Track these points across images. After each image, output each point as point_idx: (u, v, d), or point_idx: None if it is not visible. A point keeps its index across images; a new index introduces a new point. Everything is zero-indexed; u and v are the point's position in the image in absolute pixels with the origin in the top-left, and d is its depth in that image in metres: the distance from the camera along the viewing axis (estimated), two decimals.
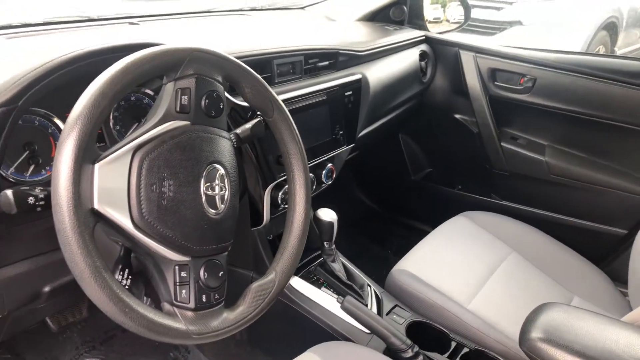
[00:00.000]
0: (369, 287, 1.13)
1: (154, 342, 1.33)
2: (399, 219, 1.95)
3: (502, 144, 1.54)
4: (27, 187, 0.60)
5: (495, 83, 1.51)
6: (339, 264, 1.13)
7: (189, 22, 1.28)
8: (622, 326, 0.77)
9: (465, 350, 1.01)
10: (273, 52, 0.99)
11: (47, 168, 0.75)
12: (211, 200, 0.67)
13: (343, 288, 1.10)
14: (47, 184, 0.73)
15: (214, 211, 0.67)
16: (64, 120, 0.74)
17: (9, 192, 0.58)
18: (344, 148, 1.19)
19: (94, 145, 0.57)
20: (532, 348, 0.78)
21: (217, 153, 0.69)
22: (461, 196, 1.73)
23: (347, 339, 1.02)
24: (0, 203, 0.59)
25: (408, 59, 1.47)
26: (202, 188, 0.66)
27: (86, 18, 1.17)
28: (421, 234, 1.31)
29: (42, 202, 0.60)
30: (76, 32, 1.01)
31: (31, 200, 0.60)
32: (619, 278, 1.28)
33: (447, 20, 1.72)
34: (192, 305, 0.64)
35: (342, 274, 1.11)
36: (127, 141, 0.61)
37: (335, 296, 1.07)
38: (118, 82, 0.58)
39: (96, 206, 0.57)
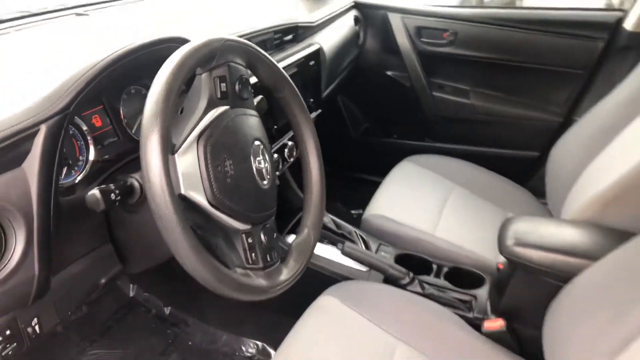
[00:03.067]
0: (355, 233, 1.28)
1: (150, 325, 1.39)
2: (349, 174, 2.11)
3: (433, 93, 1.76)
4: (104, 185, 0.65)
5: (422, 40, 1.70)
6: (328, 217, 1.26)
7: (140, 7, 1.27)
8: (572, 224, 1.02)
9: (445, 269, 1.22)
10: (252, 32, 1.06)
11: (76, 169, 0.78)
12: (260, 173, 0.76)
13: (337, 237, 1.24)
14: (105, 180, 0.77)
15: (264, 182, 0.77)
16: (83, 119, 0.76)
17: (96, 192, 0.63)
18: (315, 114, 1.30)
19: (171, 137, 0.64)
20: (510, 252, 0.99)
21: (255, 131, 0.78)
22: (399, 144, 1.93)
23: (349, 280, 1.17)
24: (89, 203, 0.63)
25: (346, 25, 1.60)
26: (254, 163, 0.75)
27: (28, 14, 1.11)
28: (373, 184, 1.48)
29: (119, 197, 0.66)
30: (27, 31, 0.97)
31: (112, 196, 0.65)
32: (539, 193, 1.57)
33: None
34: (261, 265, 0.74)
35: (332, 226, 1.25)
36: (189, 131, 0.68)
37: (331, 246, 1.21)
38: (179, 76, 0.64)
39: (183, 191, 0.64)
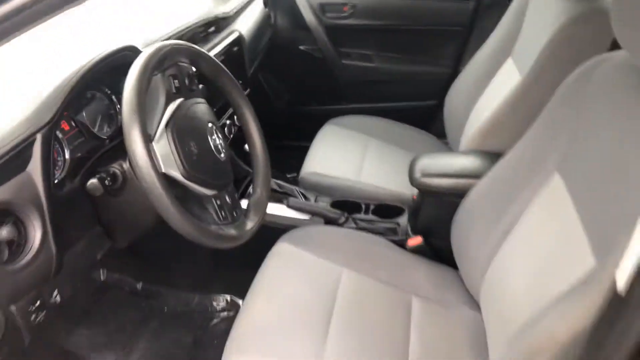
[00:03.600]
0: (295, 191, 1.50)
1: (126, 302, 1.53)
2: (279, 143, 2.30)
3: (342, 61, 1.99)
4: (98, 175, 0.82)
5: (327, 15, 1.91)
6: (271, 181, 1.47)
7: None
8: (463, 154, 1.32)
9: (372, 206, 1.48)
10: (182, 30, 1.21)
11: (56, 168, 0.91)
12: (217, 148, 0.96)
13: (280, 196, 1.45)
14: (84, 174, 0.92)
15: (221, 155, 0.96)
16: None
17: (95, 181, 0.80)
18: (245, 93, 1.48)
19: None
20: (419, 183, 1.27)
21: (207, 115, 0.97)
22: (320, 110, 2.15)
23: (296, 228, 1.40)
24: (90, 190, 0.80)
25: (258, 9, 1.77)
26: (211, 141, 0.94)
27: None
28: (302, 149, 1.70)
29: (110, 183, 0.83)
30: None
31: (106, 182, 0.82)
32: (441, 134, 1.87)
33: None
34: (230, 220, 0.95)
35: (276, 187, 1.46)
36: (157, 122, 0.85)
37: (278, 203, 1.43)
38: (144, 78, 0.81)
39: (163, 170, 0.82)
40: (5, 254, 0.73)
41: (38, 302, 0.81)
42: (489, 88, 1.53)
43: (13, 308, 0.76)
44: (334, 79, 2.05)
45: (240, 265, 1.24)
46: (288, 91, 2.19)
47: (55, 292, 0.85)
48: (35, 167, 0.77)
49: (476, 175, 1.19)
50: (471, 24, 1.87)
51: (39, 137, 0.77)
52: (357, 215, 1.43)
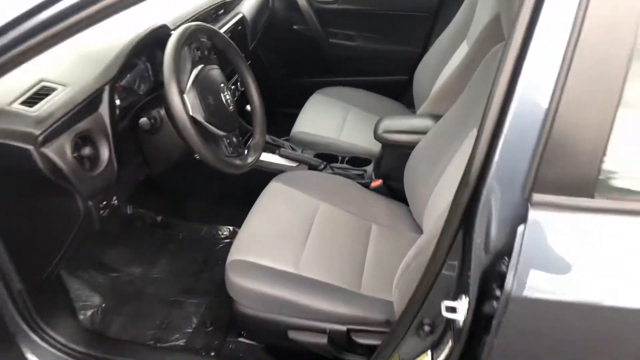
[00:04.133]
0: (286, 144, 1.87)
1: (148, 231, 1.91)
2: (274, 110, 2.64)
3: (329, 40, 2.34)
4: (146, 115, 1.18)
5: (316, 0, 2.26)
6: (268, 137, 1.84)
7: None
8: (418, 116, 1.68)
9: (347, 158, 1.85)
10: (198, 12, 1.56)
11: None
12: (227, 102, 1.32)
13: (274, 147, 1.82)
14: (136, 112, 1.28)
15: (230, 107, 1.33)
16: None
17: (144, 119, 1.16)
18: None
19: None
20: (381, 138, 1.63)
21: (220, 78, 1.33)
22: (309, 82, 2.49)
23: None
24: (141, 125, 1.16)
25: None
26: (223, 97, 1.30)
27: None
28: (294, 115, 2.05)
29: (153, 122, 1.20)
30: None
31: (152, 121, 1.19)
32: (410, 105, 2.23)
33: None
34: (237, 154, 1.32)
35: (270, 140, 1.83)
36: (186, 81, 1.21)
37: (271, 154, 1.80)
38: (178, 49, 1.17)
39: (191, 114, 1.19)
40: (87, 165, 1.09)
41: (104, 202, 1.18)
42: (448, 65, 1.89)
43: (90, 203, 1.13)
44: (322, 55, 2.40)
45: (240, 202, 1.58)
46: (284, 65, 2.54)
47: (115, 197, 1.22)
48: (104, 108, 1.13)
49: (425, 132, 1.55)
50: (437, 11, 2.22)
51: (106, 88, 1.13)
52: (334, 164, 1.81)
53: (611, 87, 0.67)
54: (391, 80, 2.39)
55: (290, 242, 1.35)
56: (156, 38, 1.29)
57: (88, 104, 1.08)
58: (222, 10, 1.74)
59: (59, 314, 1.31)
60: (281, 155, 1.75)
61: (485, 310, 0.77)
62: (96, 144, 1.12)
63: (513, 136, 0.71)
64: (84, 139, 1.07)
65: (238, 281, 1.25)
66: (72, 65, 1.15)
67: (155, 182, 1.61)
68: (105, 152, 1.13)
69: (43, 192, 1.10)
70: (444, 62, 1.88)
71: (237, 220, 1.71)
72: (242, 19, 1.84)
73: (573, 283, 0.73)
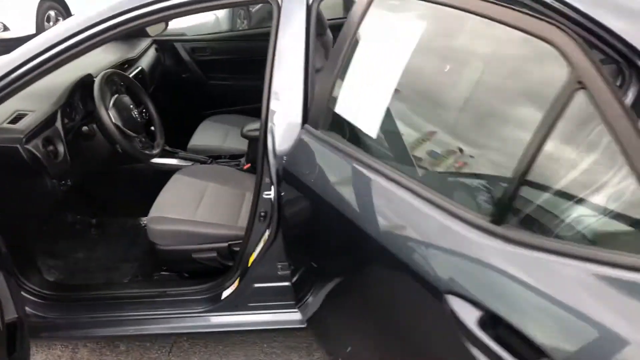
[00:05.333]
0: (182, 152, 2.64)
1: (85, 230, 2.55)
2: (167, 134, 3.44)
3: (210, 81, 3.18)
4: (85, 127, 1.94)
5: (196, 54, 3.11)
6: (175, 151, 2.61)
7: None
8: None
9: (228, 156, 2.67)
10: (114, 64, 2.34)
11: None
12: (135, 115, 2.10)
13: (172, 153, 2.57)
14: (74, 130, 2.02)
15: (138, 120, 2.10)
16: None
17: (85, 128, 1.91)
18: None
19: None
20: (246, 136, 2.48)
21: (130, 102, 2.11)
22: (197, 113, 3.30)
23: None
24: (84, 131, 1.91)
25: (151, 53, 2.91)
26: (132, 113, 2.08)
27: None
28: (190, 133, 2.85)
29: (88, 131, 1.95)
30: None
31: (88, 129, 1.94)
32: None
33: None
34: (146, 148, 2.08)
35: (169, 148, 2.59)
36: (109, 103, 1.98)
37: (172, 158, 2.55)
38: (102, 87, 1.95)
39: (114, 122, 1.95)
40: (52, 156, 1.80)
41: (62, 182, 1.88)
42: None
43: (54, 181, 1.83)
44: (206, 93, 3.23)
45: (154, 196, 2.32)
46: (176, 103, 3.31)
47: (69, 179, 1.92)
48: (58, 123, 1.85)
49: None
50: None
51: (59, 111, 1.86)
52: (219, 160, 2.61)
53: None
54: (259, 106, 3.26)
55: (190, 204, 2.11)
56: (84, 82, 2.05)
57: (48, 121, 1.82)
58: (126, 65, 2.53)
59: (30, 271, 1.95)
60: (179, 158, 2.52)
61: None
62: (55, 144, 1.83)
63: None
64: (48, 141, 1.79)
65: (156, 227, 1.98)
66: (33, 100, 1.88)
67: (87, 191, 2.32)
68: (61, 149, 1.85)
69: (24, 175, 1.79)
70: None
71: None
72: (141, 70, 2.63)
73: None
